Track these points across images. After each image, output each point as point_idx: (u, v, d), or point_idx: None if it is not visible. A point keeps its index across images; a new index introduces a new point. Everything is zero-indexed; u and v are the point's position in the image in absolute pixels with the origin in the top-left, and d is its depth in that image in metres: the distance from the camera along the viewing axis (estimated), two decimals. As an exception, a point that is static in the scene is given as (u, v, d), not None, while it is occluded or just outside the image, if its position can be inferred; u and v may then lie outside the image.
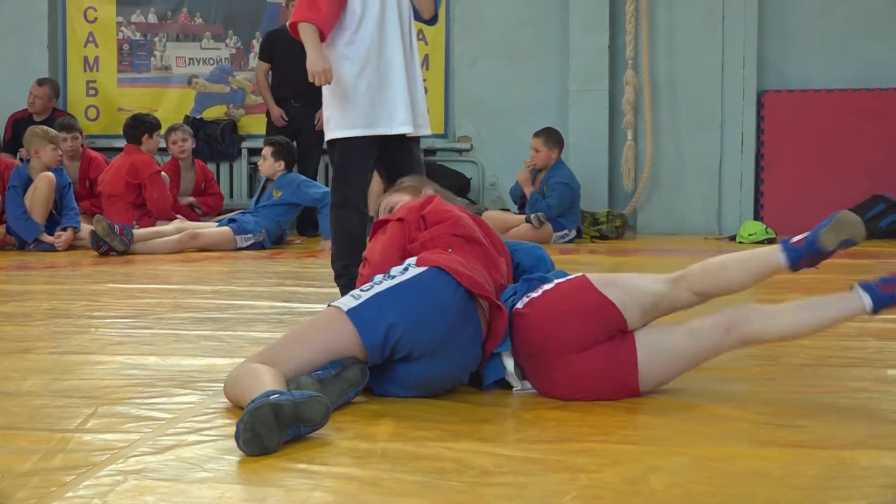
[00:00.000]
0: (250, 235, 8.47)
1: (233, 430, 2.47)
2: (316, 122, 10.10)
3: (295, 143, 10.15)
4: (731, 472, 2.27)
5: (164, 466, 2.31)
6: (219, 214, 9.51)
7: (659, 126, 10.40)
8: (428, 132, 4.98)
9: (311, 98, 10.07)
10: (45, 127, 8.75)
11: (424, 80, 5.15)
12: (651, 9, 10.39)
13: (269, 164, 8.85)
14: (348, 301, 2.95)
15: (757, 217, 10.30)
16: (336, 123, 4.80)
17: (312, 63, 4.63)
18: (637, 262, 7.96)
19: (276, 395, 2.48)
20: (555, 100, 10.59)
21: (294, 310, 4.81)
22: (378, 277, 3.02)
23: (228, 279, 6.28)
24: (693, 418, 2.73)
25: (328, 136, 4.86)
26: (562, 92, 10.58)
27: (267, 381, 2.66)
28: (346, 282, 4.56)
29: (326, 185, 10.86)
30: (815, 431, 2.59)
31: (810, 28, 10.42)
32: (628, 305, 2.95)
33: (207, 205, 9.60)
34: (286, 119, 9.99)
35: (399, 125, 4.77)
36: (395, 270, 3.03)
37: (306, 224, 10.17)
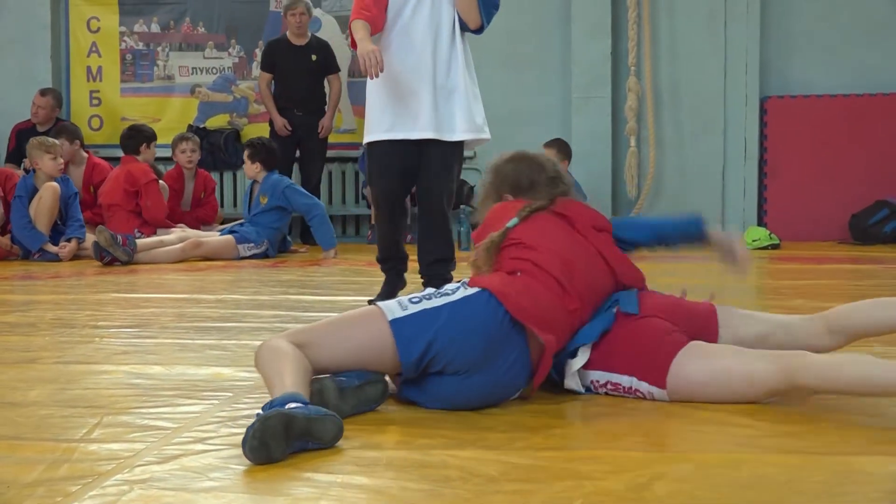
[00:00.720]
0: (252, 244, 8.48)
1: (238, 439, 2.47)
2: (320, 131, 10.12)
3: (298, 151, 10.17)
4: (735, 479, 2.27)
5: (169, 476, 2.31)
6: (222, 223, 9.51)
7: (662, 132, 10.41)
8: (463, 136, 5.00)
9: (313, 107, 10.15)
10: (42, 137, 8.78)
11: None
12: (653, 15, 10.41)
13: (247, 167, 8.86)
14: (395, 309, 2.92)
15: (761, 223, 10.31)
16: (369, 128, 5.02)
17: (361, 49, 4.71)
18: (642, 268, 7.94)
19: (292, 405, 2.49)
20: (558, 107, 10.61)
21: (299, 318, 4.82)
22: (429, 291, 3.01)
23: (232, 288, 6.28)
24: (697, 425, 2.73)
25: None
26: (564, 99, 10.59)
27: (287, 380, 2.67)
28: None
29: (330, 193, 10.91)
30: (819, 437, 2.58)
31: (812, 33, 10.43)
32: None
33: (198, 218, 9.56)
34: (289, 128, 10.01)
35: (420, 130, 4.89)
36: (448, 288, 3.01)
37: (309, 233, 10.18)
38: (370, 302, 2.99)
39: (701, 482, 2.25)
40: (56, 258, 8.25)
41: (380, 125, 4.96)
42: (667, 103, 10.42)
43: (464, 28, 5.03)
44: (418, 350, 2.85)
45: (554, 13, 10.65)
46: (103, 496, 2.17)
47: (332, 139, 10.63)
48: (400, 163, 4.98)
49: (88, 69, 11.32)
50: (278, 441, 2.40)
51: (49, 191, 8.39)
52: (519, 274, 3.09)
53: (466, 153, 10.78)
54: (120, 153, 10.57)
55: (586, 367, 3.08)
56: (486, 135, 5.06)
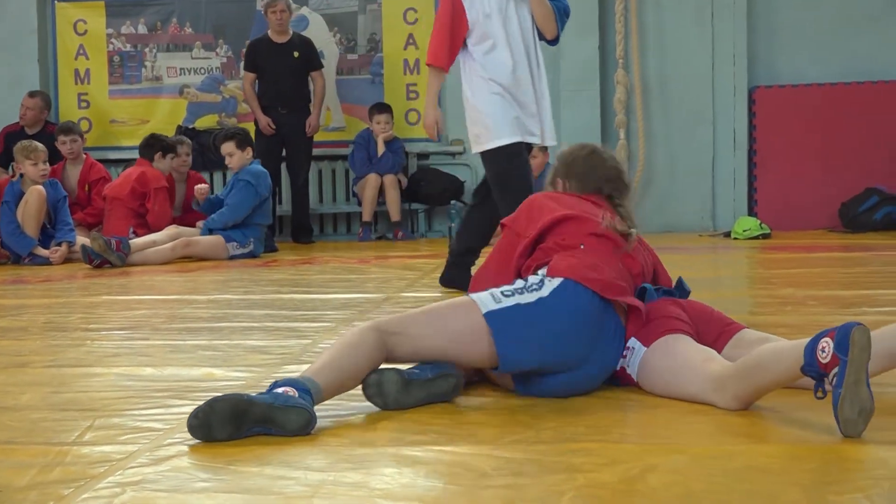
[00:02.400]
0: (237, 244, 8.47)
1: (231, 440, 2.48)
2: (307, 129, 10.10)
3: (284, 151, 10.14)
4: (729, 469, 2.27)
5: (162, 477, 2.31)
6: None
7: (651, 125, 10.42)
8: (554, 142, 5.54)
9: (297, 104, 10.13)
10: (27, 142, 8.77)
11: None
12: (640, 9, 10.41)
13: (237, 158, 8.67)
14: (488, 301, 2.94)
15: (751, 213, 10.33)
16: (485, 137, 5.34)
17: (426, 114, 5.52)
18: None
19: (278, 390, 2.64)
20: (546, 101, 10.59)
21: (291, 317, 4.82)
22: (519, 283, 3.02)
23: (224, 288, 6.28)
24: (690, 416, 2.73)
25: (478, 149, 5.41)
26: (553, 93, 10.44)
27: (317, 365, 2.79)
28: None
29: (320, 191, 10.89)
30: (810, 426, 2.59)
31: (799, 23, 10.44)
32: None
33: (190, 222, 9.51)
34: (273, 127, 9.98)
35: (530, 135, 5.35)
36: (532, 281, 3.02)
37: (299, 231, 10.18)
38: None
39: (694, 474, 2.25)
40: (47, 262, 8.24)
41: (506, 129, 5.31)
42: (655, 96, 10.42)
43: (541, 39, 5.43)
44: (526, 360, 2.90)
45: (541, 7, 10.63)
46: (96, 499, 2.16)
47: (321, 137, 10.62)
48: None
49: (76, 72, 11.30)
50: (223, 424, 2.53)
51: (34, 195, 8.38)
52: (582, 247, 3.12)
53: (457, 149, 10.78)
54: (110, 155, 10.72)
55: None
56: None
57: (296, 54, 10.10)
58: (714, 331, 3.09)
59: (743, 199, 10.42)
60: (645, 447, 2.45)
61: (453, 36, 5.35)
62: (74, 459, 2.46)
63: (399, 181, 10.40)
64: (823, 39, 10.37)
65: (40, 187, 8.43)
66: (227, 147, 8.65)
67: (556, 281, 2.98)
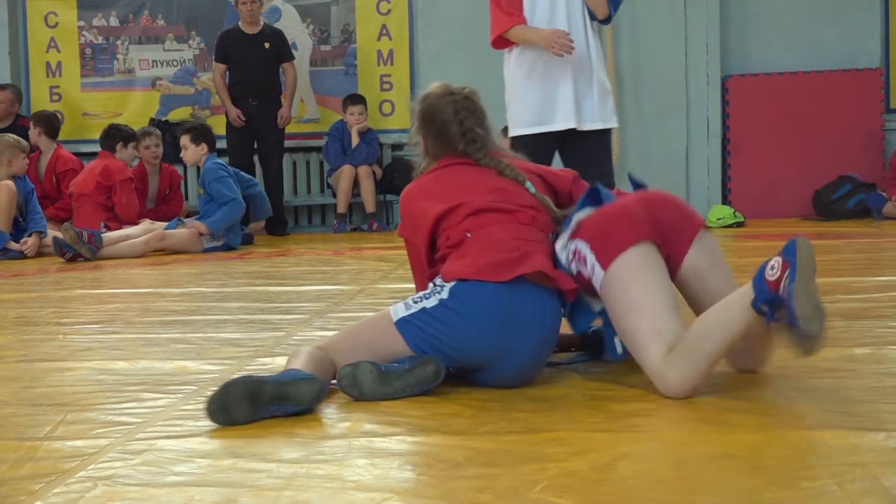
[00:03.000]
0: (209, 237, 8.41)
1: (203, 431, 2.47)
2: (279, 121, 10.06)
3: (255, 143, 10.11)
4: (699, 456, 2.28)
5: (133, 471, 2.30)
6: (187, 216, 9.43)
7: (625, 114, 10.44)
8: (603, 125, 5.48)
9: (269, 96, 10.10)
10: (17, 137, 8.73)
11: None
12: (613, -2, 10.41)
13: (191, 152, 8.58)
14: (400, 309, 3.02)
15: (725, 201, 10.37)
16: (512, 123, 5.41)
17: (547, 36, 5.19)
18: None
19: (268, 376, 2.71)
20: (520, 91, 10.59)
21: (265, 309, 4.81)
22: (429, 288, 3.05)
23: (198, 281, 6.25)
24: (662, 404, 2.74)
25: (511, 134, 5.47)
26: (527, 83, 10.57)
27: (294, 364, 2.85)
28: None
29: (295, 183, 10.86)
30: (782, 413, 2.60)
31: (770, 12, 10.48)
32: None
33: (164, 214, 9.47)
34: (243, 119, 9.94)
35: (560, 121, 5.31)
36: (436, 282, 3.04)
37: (274, 223, 10.15)
38: None
39: (665, 461, 2.26)
40: (21, 256, 8.20)
41: (530, 118, 5.37)
42: (629, 86, 10.44)
43: (594, 19, 5.35)
44: (441, 360, 2.92)
45: None
46: (67, 493, 2.16)
47: (295, 129, 10.60)
48: (550, 153, 5.46)
49: (48, 65, 11.23)
50: (240, 404, 2.60)
51: (4, 190, 8.34)
52: (468, 235, 3.10)
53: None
54: (82, 148, 10.61)
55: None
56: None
57: (267, 45, 10.06)
58: (676, 240, 3.02)
59: (717, 188, 10.46)
60: (617, 436, 2.46)
61: (511, 16, 5.30)
62: (45, 454, 2.45)
63: (373, 172, 10.39)
64: (795, 28, 10.41)
65: (10, 182, 8.39)
66: (183, 140, 8.61)
67: (450, 283, 3.00)
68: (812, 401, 2.73)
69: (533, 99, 5.33)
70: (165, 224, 8.58)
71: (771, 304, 2.58)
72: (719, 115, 10.42)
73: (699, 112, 10.42)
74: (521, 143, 5.25)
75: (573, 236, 3.05)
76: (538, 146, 5.17)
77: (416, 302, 3.01)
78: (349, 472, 2.26)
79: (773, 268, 2.59)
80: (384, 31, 10.96)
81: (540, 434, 2.49)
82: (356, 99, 10.44)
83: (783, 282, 2.54)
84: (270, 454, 2.39)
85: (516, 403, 2.81)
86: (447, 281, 3.01)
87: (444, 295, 2.98)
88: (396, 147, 10.80)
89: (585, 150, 5.40)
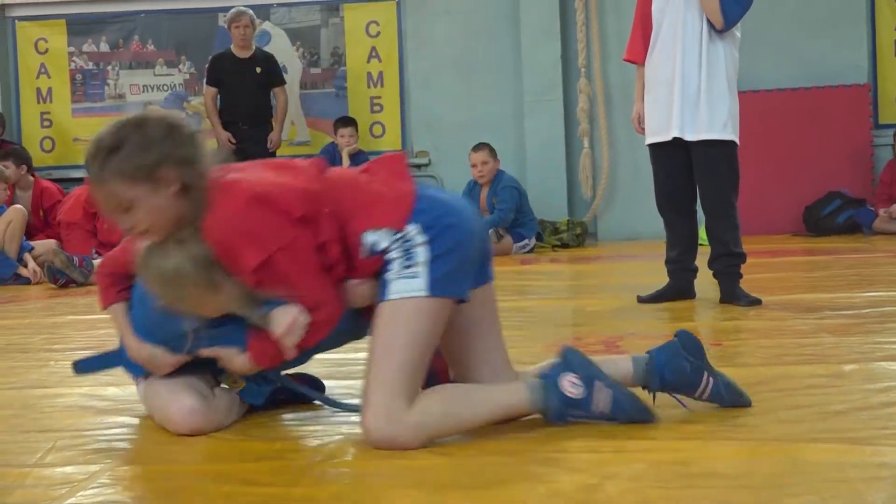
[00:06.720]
0: None
1: (191, 459, 2.48)
2: (269, 145, 10.09)
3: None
4: (685, 475, 2.29)
5: (123, 498, 2.30)
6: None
7: (614, 133, 10.47)
8: (709, 136, 5.46)
9: (259, 119, 10.12)
10: None
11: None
12: (601, 17, 10.48)
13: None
14: (403, 285, 2.65)
15: (715, 219, 10.35)
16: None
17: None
18: (598, 269, 8.00)
19: None
20: (510, 112, 10.65)
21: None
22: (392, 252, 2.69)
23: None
24: (649, 425, 2.73)
25: None
26: (516, 103, 10.63)
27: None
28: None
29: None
30: (768, 430, 2.61)
31: (758, 29, 10.47)
32: None
33: None
34: (234, 142, 9.96)
35: (660, 133, 5.43)
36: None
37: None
38: None
39: (652, 480, 2.27)
40: (29, 282, 8.21)
41: (649, 129, 5.56)
42: (618, 104, 10.47)
43: (712, 28, 5.35)
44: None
45: (502, 18, 10.69)
46: (56, 520, 2.16)
47: (286, 151, 10.61)
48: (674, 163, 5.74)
49: (38, 91, 11.25)
50: None
51: (17, 214, 8.36)
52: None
53: (422, 160, 10.79)
54: (73, 174, 10.59)
55: None
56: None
57: (258, 70, 10.10)
58: None
59: (707, 205, 10.45)
60: (604, 456, 2.46)
61: (644, 27, 5.40)
62: (35, 481, 2.45)
63: (364, 194, 10.40)
64: (782, 45, 10.45)
65: (20, 206, 8.44)
66: None
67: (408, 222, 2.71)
68: (797, 417, 2.74)
69: (650, 111, 5.46)
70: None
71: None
72: (708, 132, 10.43)
73: (688, 130, 10.43)
74: (650, 153, 5.62)
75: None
76: (657, 156, 5.60)
77: (407, 267, 2.64)
78: (331, 493, 2.26)
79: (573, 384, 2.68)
80: (374, 54, 11.00)
81: (528, 454, 2.50)
82: (346, 121, 10.47)
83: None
84: (258, 479, 2.39)
85: (503, 424, 2.82)
86: (382, 227, 2.67)
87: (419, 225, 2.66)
88: (387, 168, 10.81)
89: (695, 162, 5.58)
